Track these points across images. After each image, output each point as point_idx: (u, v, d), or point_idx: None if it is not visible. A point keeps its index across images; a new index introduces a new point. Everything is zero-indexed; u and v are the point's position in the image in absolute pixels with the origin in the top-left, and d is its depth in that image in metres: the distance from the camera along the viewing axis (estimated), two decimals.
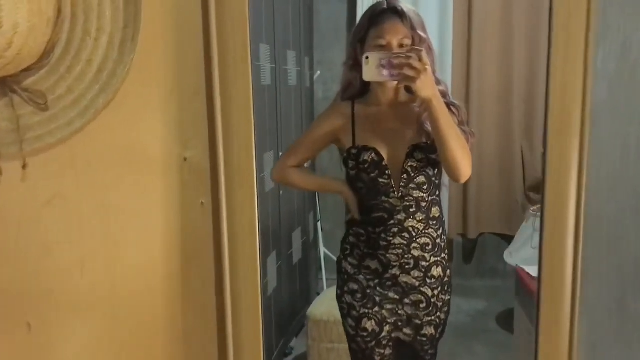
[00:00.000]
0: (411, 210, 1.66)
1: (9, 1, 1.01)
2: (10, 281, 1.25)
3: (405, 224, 1.66)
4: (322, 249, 3.80)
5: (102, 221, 1.22)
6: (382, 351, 1.75)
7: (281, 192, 2.94)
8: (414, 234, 1.66)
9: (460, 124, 1.66)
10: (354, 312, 1.74)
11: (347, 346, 1.88)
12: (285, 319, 3.08)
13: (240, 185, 1.17)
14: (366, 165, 1.65)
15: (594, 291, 1.23)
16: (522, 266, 2.54)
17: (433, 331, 1.75)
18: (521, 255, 3.02)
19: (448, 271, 1.76)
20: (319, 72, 3.75)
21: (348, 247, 1.77)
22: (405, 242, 1.66)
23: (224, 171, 1.17)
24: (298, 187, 1.95)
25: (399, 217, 1.65)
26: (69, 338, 1.25)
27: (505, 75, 3.76)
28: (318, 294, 3.50)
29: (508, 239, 3.69)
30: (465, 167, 1.58)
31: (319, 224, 3.80)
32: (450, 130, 1.53)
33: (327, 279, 3.69)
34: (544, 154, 1.15)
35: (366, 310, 1.72)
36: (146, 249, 1.24)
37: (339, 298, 1.79)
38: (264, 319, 2.64)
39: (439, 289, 1.73)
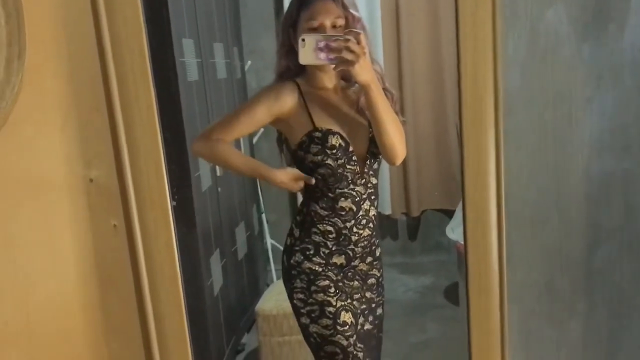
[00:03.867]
0: (372, 197, 1.64)
1: None
2: None
3: (370, 214, 1.63)
4: (269, 241, 3.75)
5: (7, 254, 1.13)
6: (362, 346, 1.65)
7: (219, 189, 2.87)
8: (375, 223, 1.65)
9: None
10: (330, 308, 1.61)
11: (298, 337, 1.82)
12: (235, 315, 3.04)
13: (152, 204, 1.11)
14: (334, 151, 1.56)
15: (521, 276, 1.24)
16: (461, 242, 2.56)
17: (381, 311, 1.76)
18: (461, 231, 3.06)
19: None
20: (249, 62, 3.65)
21: (311, 247, 1.63)
22: (371, 233, 1.64)
23: (133, 190, 1.11)
24: (225, 162, 1.65)
25: (364, 206, 1.62)
26: None
27: (436, 53, 3.77)
28: (268, 285, 3.47)
29: (450, 214, 3.74)
30: (401, 150, 1.57)
31: (263, 215, 3.75)
32: (388, 115, 1.51)
33: (276, 270, 3.66)
34: (460, 146, 1.13)
35: (343, 303, 1.62)
36: (60, 278, 1.16)
37: (305, 301, 1.64)
38: (212, 318, 2.61)
39: (382, 268, 1.74)
